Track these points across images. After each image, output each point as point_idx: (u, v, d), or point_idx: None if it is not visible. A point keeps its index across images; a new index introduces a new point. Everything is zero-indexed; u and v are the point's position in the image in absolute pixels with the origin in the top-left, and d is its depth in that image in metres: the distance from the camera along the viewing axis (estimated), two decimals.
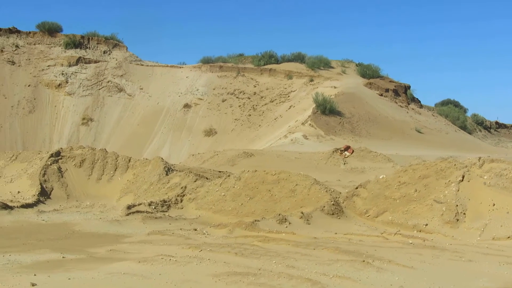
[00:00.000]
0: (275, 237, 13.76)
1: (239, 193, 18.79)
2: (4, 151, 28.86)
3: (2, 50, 63.13)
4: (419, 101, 67.82)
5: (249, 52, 76.27)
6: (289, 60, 69.99)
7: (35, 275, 9.97)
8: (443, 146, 51.10)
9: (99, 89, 63.85)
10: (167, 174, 21.71)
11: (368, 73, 66.80)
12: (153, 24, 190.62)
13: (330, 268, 10.47)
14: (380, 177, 18.44)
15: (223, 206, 18.53)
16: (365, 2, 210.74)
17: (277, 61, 69.90)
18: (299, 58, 69.91)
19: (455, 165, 16.72)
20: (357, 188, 18.05)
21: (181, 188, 20.33)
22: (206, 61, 69.72)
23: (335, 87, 60.31)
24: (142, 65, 68.69)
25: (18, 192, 21.06)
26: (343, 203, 17.28)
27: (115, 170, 22.87)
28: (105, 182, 22.43)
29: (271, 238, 13.65)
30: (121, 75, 65.77)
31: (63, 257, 11.83)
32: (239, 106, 61.69)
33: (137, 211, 18.05)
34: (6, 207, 18.31)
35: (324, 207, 16.53)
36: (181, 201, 19.60)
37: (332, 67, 68.88)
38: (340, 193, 18.62)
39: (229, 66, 68.15)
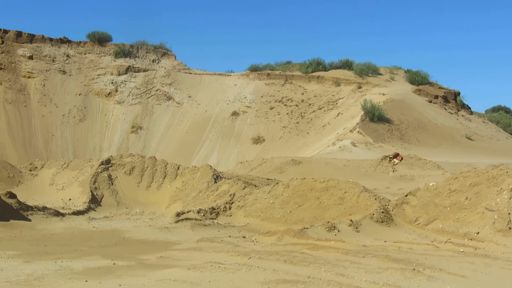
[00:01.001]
0: (324, 245, 13.71)
1: (287, 200, 18.77)
2: (55, 159, 29.39)
3: (53, 60, 64.14)
4: (469, 108, 66.79)
5: (297, 60, 76.19)
6: (337, 67, 69.58)
7: (86, 281, 10.10)
8: (494, 153, 50.26)
9: (148, 98, 64.44)
10: (215, 182, 21.80)
11: (417, 79, 65.98)
12: (201, 32, 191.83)
13: (380, 276, 10.38)
14: (430, 184, 18.25)
15: (272, 213, 18.54)
16: (414, 9, 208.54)
17: (325, 68, 69.51)
18: (347, 65, 69.40)
19: (507, 172, 16.43)
20: (406, 195, 17.89)
21: (230, 195, 20.39)
22: (254, 69, 69.72)
23: (383, 94, 59.82)
24: (191, 73, 69.13)
25: (70, 199, 21.41)
26: (392, 210, 17.13)
27: (164, 178, 23.05)
28: (154, 190, 22.64)
29: (320, 245, 13.60)
30: (170, 84, 66.30)
31: (113, 264, 11.96)
32: (287, 113, 61.60)
33: (186, 219, 18.18)
34: (58, 214, 18.64)
35: (373, 214, 16.42)
36: (230, 208, 19.67)
37: (381, 74, 68.30)
38: (389, 200, 18.48)
39: (277, 73, 68.04)
